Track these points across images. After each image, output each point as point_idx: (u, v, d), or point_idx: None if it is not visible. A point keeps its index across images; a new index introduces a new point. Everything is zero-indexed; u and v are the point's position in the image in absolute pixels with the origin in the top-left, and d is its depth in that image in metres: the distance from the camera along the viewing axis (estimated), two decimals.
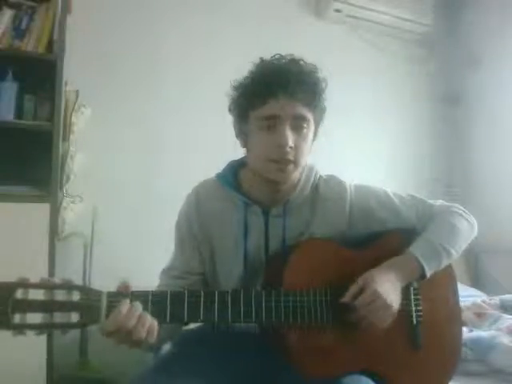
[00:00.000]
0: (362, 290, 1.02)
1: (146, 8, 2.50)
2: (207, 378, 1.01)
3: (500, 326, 1.85)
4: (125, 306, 0.85)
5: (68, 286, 0.83)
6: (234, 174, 1.17)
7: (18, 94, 1.95)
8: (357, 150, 2.85)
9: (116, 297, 0.86)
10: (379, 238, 1.15)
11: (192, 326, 1.12)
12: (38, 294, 0.80)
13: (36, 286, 0.81)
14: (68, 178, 2.06)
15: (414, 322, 1.10)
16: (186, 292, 0.92)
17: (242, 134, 1.11)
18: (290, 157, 1.04)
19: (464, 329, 1.76)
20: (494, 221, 2.49)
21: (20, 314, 0.78)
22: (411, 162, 3.09)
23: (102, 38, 2.34)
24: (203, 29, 2.59)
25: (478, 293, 2.51)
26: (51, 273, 1.83)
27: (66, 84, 2.01)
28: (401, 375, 1.07)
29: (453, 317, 1.20)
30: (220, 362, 1.06)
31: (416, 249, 1.10)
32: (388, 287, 1.02)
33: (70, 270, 2.13)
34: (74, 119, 2.07)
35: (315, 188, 1.16)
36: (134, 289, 0.89)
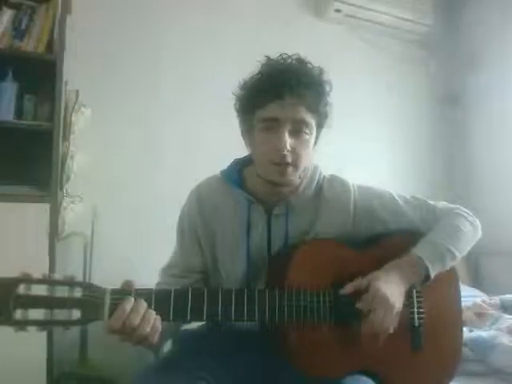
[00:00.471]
0: (365, 291, 1.01)
1: (146, 8, 2.50)
2: (208, 377, 1.01)
3: (500, 326, 1.86)
4: (129, 303, 0.84)
5: (71, 283, 0.83)
6: (238, 172, 1.17)
7: (18, 94, 1.95)
8: (357, 150, 2.85)
9: (119, 294, 0.86)
10: (383, 239, 1.15)
11: (193, 324, 1.12)
12: (40, 290, 0.80)
13: (38, 282, 0.80)
14: (68, 178, 2.06)
15: (416, 323, 1.10)
16: (189, 290, 0.92)
17: (247, 133, 1.11)
18: (289, 160, 1.03)
19: (464, 329, 1.76)
20: (494, 221, 2.48)
21: (22, 310, 0.78)
22: (411, 163, 3.08)
23: (102, 38, 2.34)
24: (203, 29, 2.59)
25: (478, 293, 2.51)
26: (51, 273, 1.83)
27: (66, 84, 2.01)
28: (401, 376, 1.07)
29: (454, 318, 1.20)
30: (221, 360, 1.06)
31: (420, 250, 1.09)
32: (392, 289, 1.02)
33: (70, 269, 2.13)
34: (73, 119, 2.07)
35: (319, 188, 1.16)
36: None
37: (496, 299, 2.16)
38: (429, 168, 3.11)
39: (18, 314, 0.77)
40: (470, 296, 2.27)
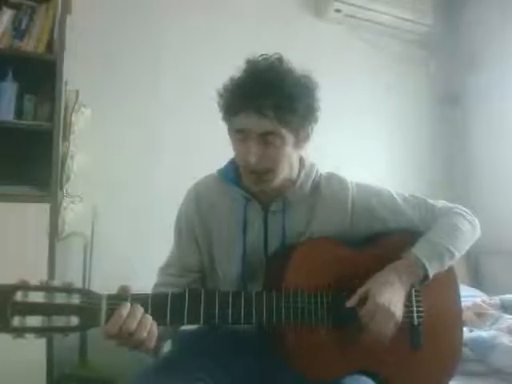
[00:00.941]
0: (364, 299, 1.01)
1: (146, 8, 2.50)
2: (207, 378, 1.01)
3: (500, 326, 1.86)
4: (125, 308, 0.84)
5: (68, 289, 0.82)
6: (234, 170, 1.17)
7: (18, 94, 1.95)
8: (356, 149, 2.85)
9: (116, 299, 0.85)
10: (381, 239, 1.15)
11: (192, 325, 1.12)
12: (37, 297, 0.79)
13: (36, 289, 0.79)
14: (68, 178, 2.06)
15: (415, 322, 1.10)
16: (186, 294, 0.92)
17: (229, 136, 1.11)
18: (257, 169, 1.03)
19: (464, 329, 1.76)
20: (494, 221, 2.48)
21: (19, 317, 0.77)
22: (411, 162, 3.08)
23: (102, 38, 2.34)
24: (203, 29, 2.59)
25: (478, 293, 2.51)
26: (51, 273, 1.83)
27: (66, 84, 2.01)
28: (401, 376, 1.07)
29: (454, 318, 1.19)
30: (220, 362, 1.06)
31: (419, 250, 1.09)
32: (391, 296, 1.02)
33: (70, 269, 2.13)
34: (73, 119, 2.07)
35: (316, 185, 1.16)
36: (133, 291, 0.88)
37: (496, 299, 2.16)
38: (428, 168, 3.11)
39: (16, 321, 0.77)
40: (469, 296, 2.27)
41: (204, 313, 0.92)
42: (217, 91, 1.08)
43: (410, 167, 3.06)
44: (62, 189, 2.03)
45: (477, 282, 2.81)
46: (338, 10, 2.84)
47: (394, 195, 1.19)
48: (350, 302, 1.02)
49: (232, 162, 1.19)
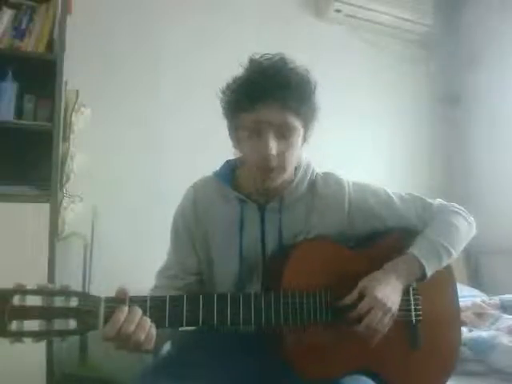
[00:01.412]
0: (361, 296, 1.02)
1: (146, 8, 2.50)
2: (206, 379, 1.01)
3: (500, 325, 1.85)
4: (123, 311, 0.84)
5: (66, 292, 0.81)
6: (231, 172, 1.17)
7: (18, 94, 1.95)
8: (356, 149, 2.85)
9: (114, 302, 0.85)
10: (379, 238, 1.15)
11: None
12: (35, 301, 0.78)
13: (33, 293, 0.79)
14: (68, 178, 2.06)
15: (414, 321, 1.10)
16: (184, 296, 0.92)
17: (234, 135, 1.11)
18: (274, 164, 1.03)
19: (464, 329, 1.77)
20: (494, 221, 2.49)
21: (17, 321, 0.76)
22: (411, 162, 3.08)
23: (102, 38, 2.34)
24: (203, 29, 2.59)
25: (478, 293, 2.51)
26: (51, 273, 1.83)
27: (65, 84, 2.01)
28: (400, 375, 1.07)
29: (452, 317, 1.20)
30: (219, 362, 1.06)
31: (416, 249, 1.10)
32: (388, 292, 1.02)
33: (70, 270, 2.13)
34: (73, 119, 2.07)
35: (312, 185, 1.16)
36: (132, 292, 0.88)
37: (496, 299, 2.16)
38: (428, 167, 3.11)
39: (14, 325, 0.76)
40: (469, 296, 2.27)
41: (203, 315, 0.91)
42: (222, 89, 1.08)
43: (409, 167, 3.06)
44: (61, 189, 2.03)
45: (477, 282, 2.81)
46: (338, 10, 2.85)
47: (391, 194, 1.19)
48: (348, 299, 1.02)
49: (228, 165, 1.19)
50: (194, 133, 2.48)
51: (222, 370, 1.04)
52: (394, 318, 1.03)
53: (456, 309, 1.21)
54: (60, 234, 2.02)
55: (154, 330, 0.87)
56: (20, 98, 1.96)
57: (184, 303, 0.91)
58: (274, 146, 1.01)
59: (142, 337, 0.85)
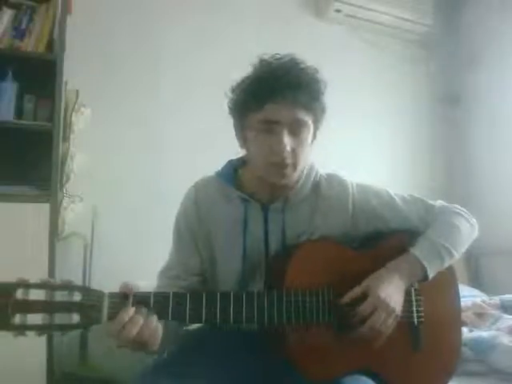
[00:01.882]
0: (364, 296, 1.02)
1: (146, 8, 2.50)
2: (208, 378, 1.01)
3: (500, 325, 1.85)
4: (130, 309, 0.84)
5: (69, 286, 0.82)
6: (233, 172, 1.17)
7: (18, 94, 1.95)
8: (356, 149, 2.85)
9: (118, 298, 0.85)
10: (382, 239, 1.15)
11: (192, 326, 1.12)
12: (38, 295, 0.79)
13: (37, 287, 0.79)
14: (68, 178, 2.06)
15: (415, 322, 1.10)
16: (188, 293, 0.92)
17: (242, 135, 1.11)
18: (288, 160, 1.03)
19: (464, 329, 1.77)
20: (494, 221, 2.49)
21: (20, 315, 0.77)
22: (411, 162, 3.08)
23: (102, 38, 2.34)
24: (203, 29, 2.59)
25: (478, 293, 2.51)
26: (51, 273, 1.83)
27: (66, 84, 2.01)
28: (401, 375, 1.07)
29: (453, 318, 1.20)
30: (221, 362, 1.06)
31: (418, 250, 1.10)
32: (391, 292, 1.02)
33: (70, 269, 2.13)
34: (74, 119, 2.07)
35: (316, 186, 1.16)
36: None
37: (496, 299, 2.16)
38: (428, 167, 3.11)
39: (17, 318, 0.77)
40: (470, 296, 2.27)
41: (206, 312, 0.91)
42: (231, 88, 1.09)
43: (410, 167, 3.06)
44: (61, 189, 2.03)
45: (477, 282, 2.81)
46: (338, 10, 2.85)
47: (393, 195, 1.19)
48: (350, 296, 1.02)
49: (230, 164, 1.19)
50: (194, 133, 2.48)
51: (223, 370, 1.04)
52: (398, 319, 1.03)
53: (457, 310, 1.21)
54: (60, 234, 2.02)
55: (160, 332, 0.87)
56: (20, 98, 1.96)
57: (187, 301, 0.91)
58: (288, 143, 1.02)
59: (147, 335, 0.85)
